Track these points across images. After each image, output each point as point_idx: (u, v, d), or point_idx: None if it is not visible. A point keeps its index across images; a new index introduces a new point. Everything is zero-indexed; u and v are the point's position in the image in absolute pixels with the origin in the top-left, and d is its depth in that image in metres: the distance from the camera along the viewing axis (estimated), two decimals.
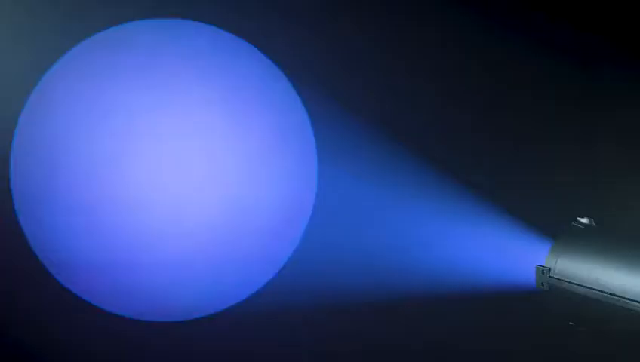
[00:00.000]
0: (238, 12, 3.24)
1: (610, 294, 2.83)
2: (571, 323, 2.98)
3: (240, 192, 3.00)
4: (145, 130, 2.99)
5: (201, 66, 2.91)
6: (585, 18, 3.59)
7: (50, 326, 3.18)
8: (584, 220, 3.06)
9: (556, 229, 3.09)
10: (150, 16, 3.37)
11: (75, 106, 2.98)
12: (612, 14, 3.56)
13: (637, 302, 2.79)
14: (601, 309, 2.85)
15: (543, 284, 2.99)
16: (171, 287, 2.96)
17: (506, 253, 3.26)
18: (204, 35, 2.87)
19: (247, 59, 2.93)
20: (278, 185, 3.03)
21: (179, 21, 2.88)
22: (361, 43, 3.64)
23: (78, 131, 2.96)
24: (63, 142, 2.87)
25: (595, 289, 2.87)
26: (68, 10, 3.45)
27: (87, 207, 2.94)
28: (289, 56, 3.45)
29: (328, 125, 3.34)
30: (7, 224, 3.13)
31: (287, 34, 3.47)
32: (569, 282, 2.94)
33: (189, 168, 2.99)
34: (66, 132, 2.89)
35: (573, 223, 3.06)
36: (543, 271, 2.99)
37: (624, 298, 2.80)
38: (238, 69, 2.97)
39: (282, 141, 3.00)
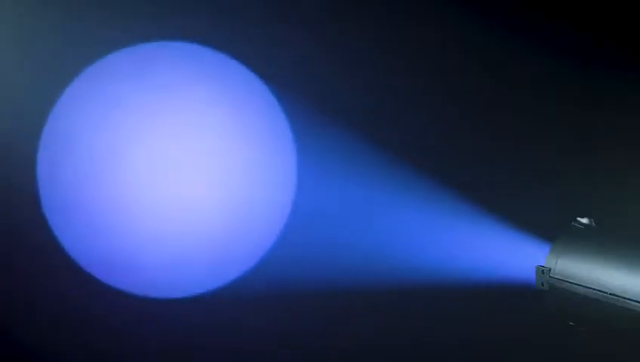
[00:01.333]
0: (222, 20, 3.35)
1: (611, 294, 2.83)
2: (571, 323, 2.98)
3: (216, 192, 3.19)
4: (140, 134, 3.22)
5: (188, 80, 3.14)
6: (585, 18, 3.60)
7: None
8: (584, 220, 3.06)
9: (556, 229, 3.10)
10: (147, 15, 3.40)
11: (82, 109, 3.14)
12: (612, 14, 3.57)
13: (637, 302, 2.79)
14: (602, 309, 2.86)
15: (543, 284, 2.99)
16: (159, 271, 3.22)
17: (504, 254, 3.27)
18: (196, 57, 3.14)
19: (225, 69, 3.10)
20: (256, 185, 3.19)
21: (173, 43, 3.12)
22: (345, 45, 3.65)
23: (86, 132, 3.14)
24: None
25: (595, 289, 2.88)
26: (68, 11, 3.46)
27: (97, 203, 3.18)
28: (268, 60, 3.47)
29: (309, 126, 3.41)
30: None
31: (265, 36, 3.50)
32: (569, 282, 2.94)
33: (176, 169, 3.21)
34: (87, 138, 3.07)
35: (573, 223, 3.07)
36: (542, 271, 2.99)
37: (624, 298, 2.81)
38: (217, 79, 3.13)
39: (261, 143, 3.15)
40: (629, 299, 2.79)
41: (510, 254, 3.24)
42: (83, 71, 3.16)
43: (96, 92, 3.17)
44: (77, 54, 3.49)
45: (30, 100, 3.50)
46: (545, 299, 2.99)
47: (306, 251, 3.48)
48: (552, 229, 3.09)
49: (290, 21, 3.57)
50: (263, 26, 3.56)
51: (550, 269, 2.98)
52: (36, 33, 3.49)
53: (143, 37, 3.49)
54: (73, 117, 3.20)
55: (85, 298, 3.43)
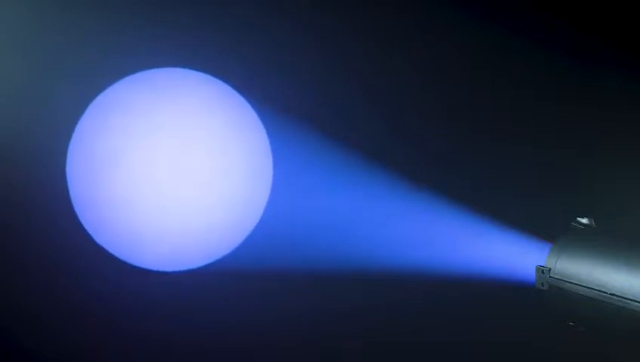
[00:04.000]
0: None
1: (611, 294, 2.84)
2: (571, 323, 2.99)
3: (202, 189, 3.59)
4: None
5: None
6: (585, 18, 3.62)
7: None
8: (584, 220, 3.07)
9: (555, 229, 3.11)
10: (144, 15, 3.47)
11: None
12: (612, 14, 3.58)
13: (637, 302, 2.80)
14: (601, 309, 2.87)
15: (542, 284, 3.00)
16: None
17: (503, 254, 3.29)
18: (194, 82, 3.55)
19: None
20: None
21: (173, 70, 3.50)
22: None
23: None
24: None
25: (594, 289, 2.89)
26: (67, 10, 3.48)
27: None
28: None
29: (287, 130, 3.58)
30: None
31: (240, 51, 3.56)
32: (569, 282, 2.95)
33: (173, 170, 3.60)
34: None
35: (573, 223, 3.08)
36: (542, 271, 3.00)
37: (624, 298, 2.82)
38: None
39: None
40: (629, 299, 2.80)
41: (509, 255, 3.26)
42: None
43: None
44: (77, 54, 3.52)
45: (30, 100, 3.52)
46: (544, 299, 3.00)
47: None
48: (552, 229, 3.12)
49: (274, 24, 3.62)
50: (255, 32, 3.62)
51: (550, 269, 2.98)
52: (36, 33, 3.51)
53: (142, 37, 3.53)
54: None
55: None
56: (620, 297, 2.82)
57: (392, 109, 3.78)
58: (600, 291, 2.87)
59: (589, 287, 2.90)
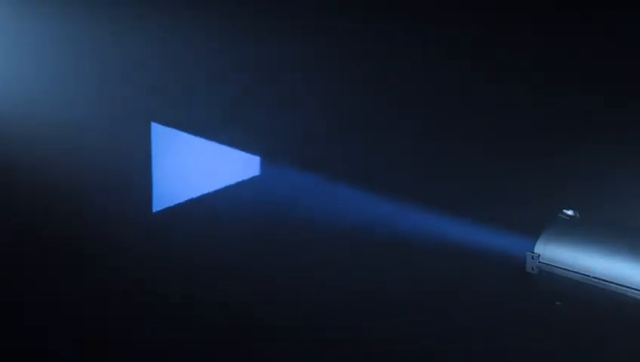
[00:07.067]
0: None
1: (593, 277, 3.12)
2: (558, 303, 3.25)
3: None
4: None
5: None
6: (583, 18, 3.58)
7: None
8: (569, 212, 3.33)
9: (544, 220, 3.34)
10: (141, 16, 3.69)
11: None
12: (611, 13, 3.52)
13: (615, 284, 3.08)
14: (585, 290, 3.14)
15: (533, 268, 3.26)
16: None
17: (500, 241, 3.53)
18: None
19: None
20: None
21: None
22: None
23: None
24: None
25: (579, 273, 3.16)
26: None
27: None
28: None
29: None
30: None
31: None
32: (556, 266, 3.22)
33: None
34: None
35: (559, 215, 3.34)
36: (532, 257, 3.26)
37: (605, 280, 3.10)
38: None
39: None
40: (609, 282, 3.09)
41: (505, 242, 3.50)
42: None
43: None
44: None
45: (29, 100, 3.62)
46: (534, 281, 3.26)
47: None
48: (541, 221, 3.32)
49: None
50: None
51: (539, 255, 3.25)
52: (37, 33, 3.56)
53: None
54: None
55: None
56: (601, 280, 3.11)
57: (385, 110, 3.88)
58: (584, 274, 3.15)
59: (574, 271, 3.17)
